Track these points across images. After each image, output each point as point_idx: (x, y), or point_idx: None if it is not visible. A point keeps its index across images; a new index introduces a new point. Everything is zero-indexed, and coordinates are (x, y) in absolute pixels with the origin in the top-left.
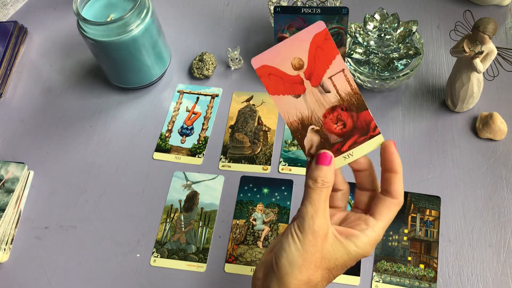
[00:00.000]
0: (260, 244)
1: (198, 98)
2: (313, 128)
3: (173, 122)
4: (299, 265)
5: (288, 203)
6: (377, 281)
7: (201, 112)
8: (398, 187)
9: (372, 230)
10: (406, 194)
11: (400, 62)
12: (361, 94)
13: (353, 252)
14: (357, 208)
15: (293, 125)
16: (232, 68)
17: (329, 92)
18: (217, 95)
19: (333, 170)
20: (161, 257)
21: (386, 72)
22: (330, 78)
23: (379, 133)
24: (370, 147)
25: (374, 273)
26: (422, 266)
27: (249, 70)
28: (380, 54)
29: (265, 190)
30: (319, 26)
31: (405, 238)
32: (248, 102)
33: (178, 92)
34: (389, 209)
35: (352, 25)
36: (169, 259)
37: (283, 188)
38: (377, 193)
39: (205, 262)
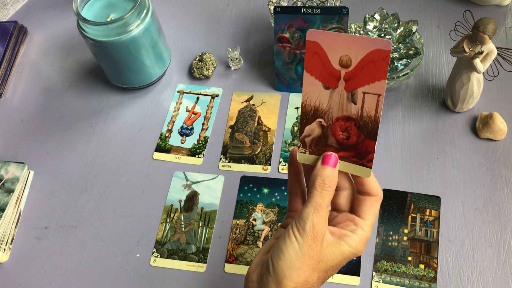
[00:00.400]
0: (260, 244)
1: (198, 98)
2: (321, 122)
3: (173, 122)
4: (297, 268)
5: None
6: (377, 281)
7: (201, 112)
8: (374, 185)
9: (362, 229)
10: (406, 194)
11: (400, 62)
12: (378, 125)
13: (347, 252)
14: (336, 210)
15: (306, 108)
16: (232, 68)
17: (355, 103)
18: (217, 95)
19: (337, 173)
20: (161, 257)
21: None
22: (364, 93)
23: (371, 167)
24: (355, 171)
25: (374, 273)
26: (422, 266)
27: (249, 70)
28: None
29: (265, 190)
30: (386, 44)
31: (405, 238)
32: (248, 102)
33: (178, 92)
34: (372, 206)
35: (352, 25)
36: (169, 259)
37: (283, 188)
38: (354, 192)
39: (205, 262)
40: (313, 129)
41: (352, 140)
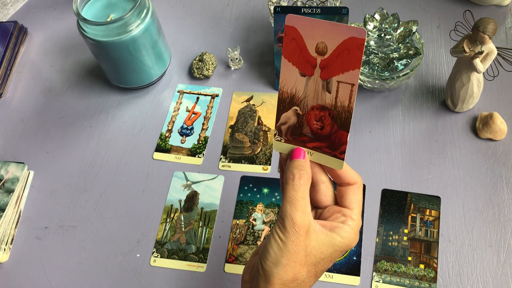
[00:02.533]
0: (260, 244)
1: (198, 98)
2: (296, 110)
3: (173, 122)
4: (283, 265)
5: None
6: (377, 281)
7: (201, 112)
8: (350, 173)
9: (351, 219)
10: (406, 194)
11: (400, 62)
12: (351, 116)
13: (339, 244)
14: (320, 207)
15: (283, 95)
16: (232, 68)
17: (329, 92)
18: (217, 95)
19: (308, 164)
20: (161, 257)
21: (386, 72)
22: (338, 82)
23: (343, 159)
24: (328, 163)
25: (374, 273)
26: (422, 266)
27: (249, 70)
28: (380, 54)
29: (265, 190)
30: (360, 32)
31: (405, 238)
32: (248, 102)
33: (178, 92)
34: (355, 194)
35: (352, 25)
36: (169, 259)
37: None
38: (332, 185)
39: (205, 262)
40: (289, 117)
41: (325, 131)
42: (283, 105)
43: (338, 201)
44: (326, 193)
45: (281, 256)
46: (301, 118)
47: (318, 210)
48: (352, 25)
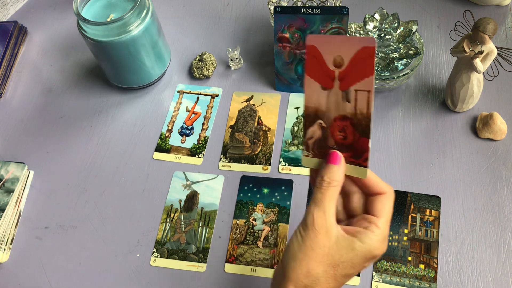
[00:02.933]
0: (260, 244)
1: (198, 98)
2: (321, 123)
3: (173, 122)
4: (299, 260)
5: (288, 203)
6: (377, 281)
7: (201, 112)
8: (379, 184)
9: (376, 226)
10: (406, 194)
11: (400, 62)
12: (371, 121)
13: (358, 248)
14: (351, 216)
15: (308, 110)
16: (232, 68)
17: (349, 102)
18: (217, 95)
19: (342, 170)
20: (161, 257)
21: (386, 72)
22: (356, 90)
23: (367, 167)
24: (353, 172)
25: (374, 273)
26: (422, 266)
27: (249, 70)
28: (380, 54)
29: (265, 190)
30: (370, 41)
31: (405, 238)
32: (248, 102)
33: (178, 92)
34: (383, 203)
35: (352, 25)
36: (169, 259)
37: (283, 188)
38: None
39: (205, 262)
40: (315, 131)
41: (349, 140)
42: (309, 120)
43: (368, 209)
44: (357, 203)
45: (298, 251)
46: (326, 130)
47: (350, 219)
48: (352, 25)
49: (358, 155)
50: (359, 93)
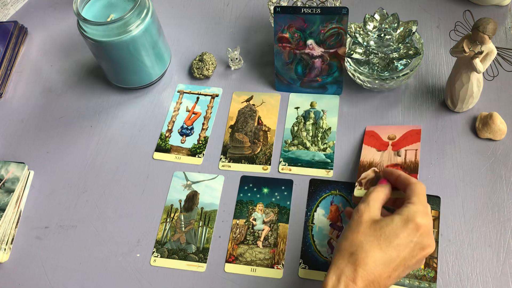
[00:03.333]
0: (260, 244)
1: (198, 98)
2: (374, 169)
3: (173, 122)
4: (345, 235)
5: (288, 203)
6: None
7: (201, 112)
8: (408, 178)
9: (410, 203)
10: None
11: (400, 62)
12: (419, 165)
13: (396, 218)
14: None
15: (363, 163)
16: (232, 68)
17: (399, 156)
18: (217, 95)
19: (387, 187)
20: (161, 257)
21: (386, 72)
22: (406, 150)
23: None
24: (401, 195)
25: None
26: (422, 266)
27: (249, 70)
28: (380, 54)
29: (265, 190)
30: (417, 126)
31: None
32: (248, 102)
33: (178, 92)
34: (411, 189)
35: (352, 25)
36: (169, 259)
37: (283, 188)
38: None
39: (205, 262)
40: (368, 173)
41: None
42: (363, 169)
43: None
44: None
45: (345, 230)
46: (378, 173)
47: None
48: (352, 25)
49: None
50: (409, 151)
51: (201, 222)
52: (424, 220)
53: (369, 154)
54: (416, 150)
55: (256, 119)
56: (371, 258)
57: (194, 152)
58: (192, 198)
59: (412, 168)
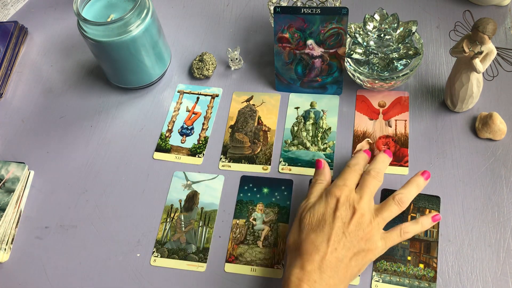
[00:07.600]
0: (260, 243)
1: (198, 98)
2: (368, 140)
3: (173, 122)
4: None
5: (288, 203)
6: (376, 281)
7: (201, 112)
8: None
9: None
10: None
11: (399, 62)
12: (408, 137)
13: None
14: None
15: (357, 133)
16: (232, 68)
17: (390, 127)
18: (217, 95)
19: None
20: (161, 256)
21: (386, 72)
22: (396, 120)
23: (407, 166)
24: (397, 171)
25: (374, 273)
26: (421, 265)
27: (249, 70)
28: (379, 54)
29: (265, 190)
30: (404, 93)
31: None
32: (248, 102)
33: (178, 92)
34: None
35: (352, 25)
36: (169, 258)
37: (283, 188)
38: None
39: (205, 262)
40: (363, 145)
41: (391, 150)
42: (358, 139)
43: None
44: None
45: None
46: (372, 145)
47: None
48: (352, 25)
49: (399, 160)
50: (398, 122)
51: (201, 222)
52: (338, 191)
53: (362, 123)
54: (406, 121)
55: (256, 119)
56: (308, 241)
57: (194, 152)
58: (192, 198)
59: (402, 141)
